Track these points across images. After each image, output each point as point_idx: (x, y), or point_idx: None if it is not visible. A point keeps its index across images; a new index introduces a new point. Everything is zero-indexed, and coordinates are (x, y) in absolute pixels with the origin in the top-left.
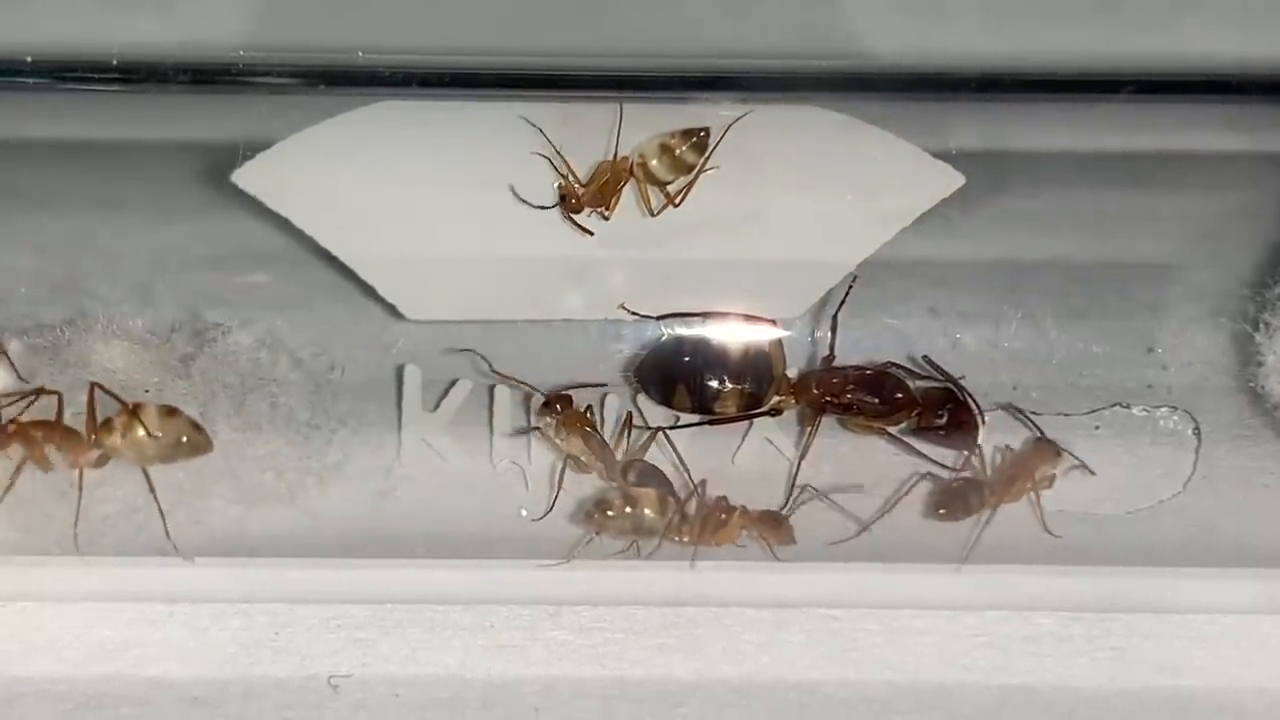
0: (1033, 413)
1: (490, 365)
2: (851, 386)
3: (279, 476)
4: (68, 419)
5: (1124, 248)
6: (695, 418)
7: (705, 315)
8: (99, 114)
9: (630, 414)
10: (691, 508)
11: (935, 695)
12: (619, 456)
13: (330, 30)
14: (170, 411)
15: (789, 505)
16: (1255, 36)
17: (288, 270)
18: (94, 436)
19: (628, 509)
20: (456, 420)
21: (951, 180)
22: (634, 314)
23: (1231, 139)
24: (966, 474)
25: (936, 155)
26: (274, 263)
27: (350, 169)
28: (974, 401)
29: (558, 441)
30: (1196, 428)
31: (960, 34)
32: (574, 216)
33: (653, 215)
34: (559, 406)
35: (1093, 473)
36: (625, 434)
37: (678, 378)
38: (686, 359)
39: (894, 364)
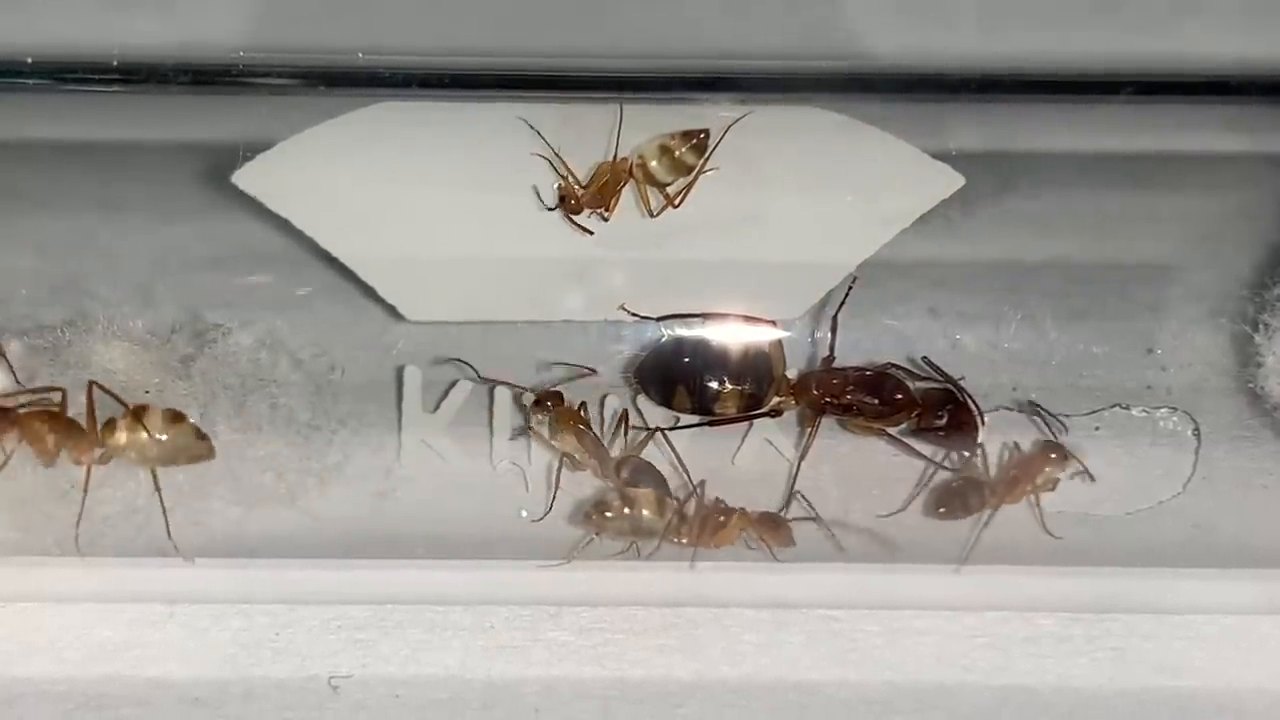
0: (1038, 412)
1: (477, 372)
2: (851, 387)
3: (279, 477)
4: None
5: (1124, 249)
6: (695, 418)
7: (705, 316)
8: (99, 114)
9: (625, 411)
10: (690, 509)
11: (935, 696)
12: (614, 454)
13: (330, 31)
14: (176, 417)
15: (787, 508)
16: (1255, 37)
17: (288, 271)
18: (97, 434)
19: (626, 510)
20: (456, 421)
21: (951, 181)
22: (634, 315)
23: (1231, 140)
24: (966, 473)
25: (936, 156)
26: (274, 263)
27: (350, 169)
28: (974, 402)
29: (551, 440)
30: (1196, 428)
31: (960, 35)
32: (574, 217)
33: (652, 216)
34: (550, 404)
35: (1093, 479)
36: (622, 432)
37: (678, 379)
38: (686, 360)
39: (894, 365)
